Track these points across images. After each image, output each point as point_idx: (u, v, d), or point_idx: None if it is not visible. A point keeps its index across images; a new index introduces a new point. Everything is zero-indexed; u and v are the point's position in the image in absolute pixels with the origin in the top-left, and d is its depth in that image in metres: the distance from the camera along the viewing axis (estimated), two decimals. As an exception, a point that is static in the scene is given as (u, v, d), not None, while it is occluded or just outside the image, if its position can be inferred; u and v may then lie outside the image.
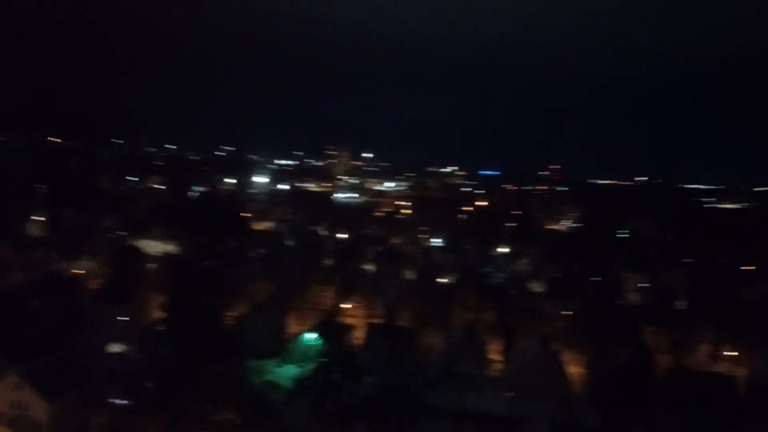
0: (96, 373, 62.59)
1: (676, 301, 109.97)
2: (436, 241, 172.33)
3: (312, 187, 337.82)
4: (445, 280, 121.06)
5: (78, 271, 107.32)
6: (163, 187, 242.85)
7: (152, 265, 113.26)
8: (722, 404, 63.97)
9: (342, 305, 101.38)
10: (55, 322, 74.33)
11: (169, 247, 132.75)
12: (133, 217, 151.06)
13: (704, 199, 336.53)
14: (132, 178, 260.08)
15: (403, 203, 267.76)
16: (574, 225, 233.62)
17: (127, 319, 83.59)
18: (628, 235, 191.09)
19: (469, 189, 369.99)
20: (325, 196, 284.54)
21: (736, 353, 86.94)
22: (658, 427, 61.51)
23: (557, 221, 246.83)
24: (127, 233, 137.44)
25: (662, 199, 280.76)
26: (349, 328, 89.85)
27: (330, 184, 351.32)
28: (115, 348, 76.19)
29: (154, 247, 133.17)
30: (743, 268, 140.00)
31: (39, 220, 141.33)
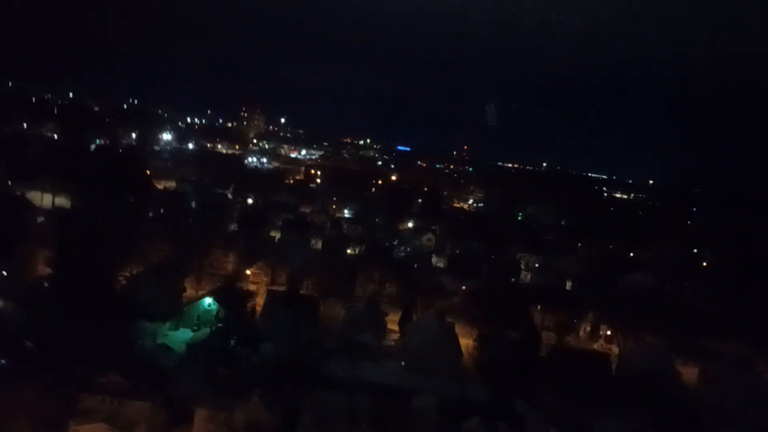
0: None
1: (564, 283, 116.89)
2: (346, 213, 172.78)
3: (222, 148, 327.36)
4: (351, 252, 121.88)
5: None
6: (56, 136, 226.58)
7: (40, 218, 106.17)
8: (599, 383, 68.54)
9: (244, 271, 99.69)
10: None
11: (61, 200, 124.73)
12: (20, 165, 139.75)
13: (599, 189, 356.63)
14: (22, 124, 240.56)
15: (315, 172, 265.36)
16: (478, 205, 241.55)
17: (6, 274, 77.87)
18: (522, 218, 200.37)
19: (382, 163, 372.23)
20: (235, 159, 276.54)
21: (613, 336, 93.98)
22: (538, 403, 65.16)
23: (463, 200, 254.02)
24: (12, 182, 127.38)
25: (561, 185, 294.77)
26: (250, 294, 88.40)
27: (241, 147, 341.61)
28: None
29: (43, 198, 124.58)
30: (628, 256, 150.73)
31: None
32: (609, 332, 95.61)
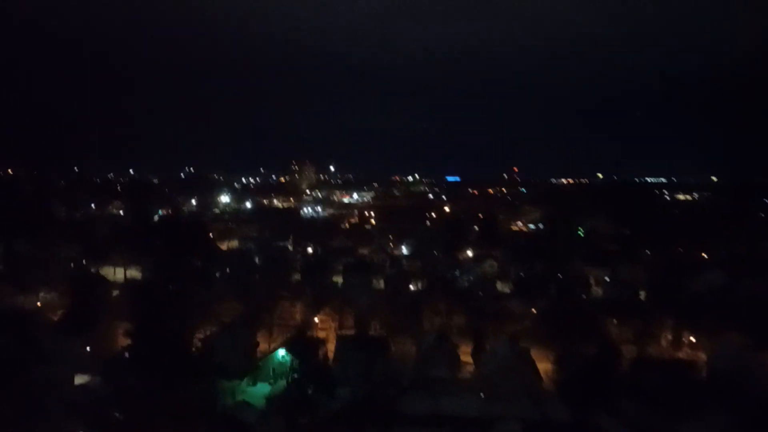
0: (58, 407, 60.82)
1: (638, 292, 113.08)
2: (404, 249, 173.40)
3: (278, 202, 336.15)
4: (413, 287, 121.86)
5: (36, 304, 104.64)
6: (122, 213, 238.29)
7: (115, 292, 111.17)
8: (685, 389, 65.82)
9: (312, 319, 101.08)
10: (11, 357, 71.99)
11: (132, 272, 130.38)
12: (92, 245, 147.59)
13: (661, 192, 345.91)
14: (90, 205, 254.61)
15: (369, 214, 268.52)
16: (537, 225, 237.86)
17: (90, 349, 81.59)
18: (583, 233, 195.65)
19: (433, 196, 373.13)
20: (291, 211, 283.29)
21: (694, 340, 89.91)
22: (625, 416, 62.89)
23: (521, 222, 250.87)
24: (86, 261, 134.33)
25: (620, 194, 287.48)
26: (321, 341, 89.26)
27: (295, 199, 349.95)
28: (79, 380, 74.25)
29: (115, 273, 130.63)
30: (698, 257, 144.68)
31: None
32: (688, 337, 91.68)
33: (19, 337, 78.18)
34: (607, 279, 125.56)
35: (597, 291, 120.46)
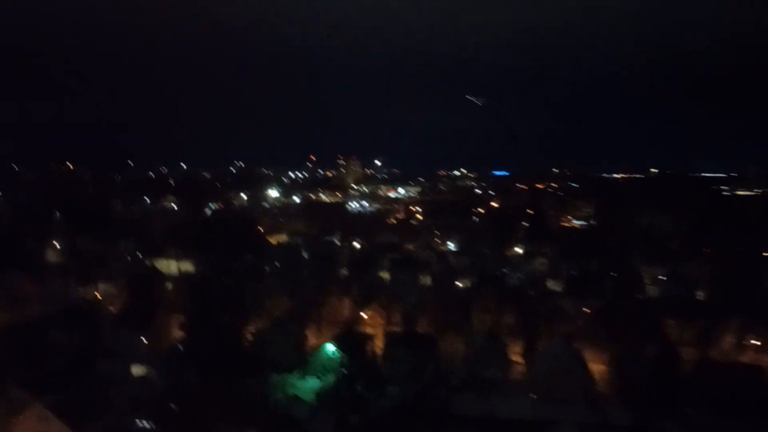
0: (120, 400, 62.58)
1: (697, 291, 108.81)
2: (451, 245, 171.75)
3: (325, 197, 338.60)
4: (462, 284, 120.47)
5: (97, 297, 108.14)
6: (176, 207, 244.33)
7: (169, 286, 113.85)
8: (752, 394, 62.88)
9: (360, 315, 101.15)
10: (77, 350, 74.62)
11: (186, 266, 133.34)
12: (148, 239, 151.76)
13: (719, 187, 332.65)
14: (146, 200, 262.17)
15: (415, 209, 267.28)
16: (589, 221, 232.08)
17: (147, 342, 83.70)
18: (637, 229, 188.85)
19: (481, 191, 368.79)
20: (338, 206, 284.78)
21: (761, 342, 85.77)
22: (690, 422, 60.46)
23: (572, 218, 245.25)
24: (143, 255, 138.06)
25: (676, 189, 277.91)
26: (369, 337, 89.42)
27: (342, 194, 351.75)
28: (138, 372, 76.29)
29: (170, 267, 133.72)
30: (762, 255, 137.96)
31: (55, 248, 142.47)
32: (755, 339, 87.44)
33: (82, 329, 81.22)
34: (663, 277, 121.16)
35: (653, 290, 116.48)
